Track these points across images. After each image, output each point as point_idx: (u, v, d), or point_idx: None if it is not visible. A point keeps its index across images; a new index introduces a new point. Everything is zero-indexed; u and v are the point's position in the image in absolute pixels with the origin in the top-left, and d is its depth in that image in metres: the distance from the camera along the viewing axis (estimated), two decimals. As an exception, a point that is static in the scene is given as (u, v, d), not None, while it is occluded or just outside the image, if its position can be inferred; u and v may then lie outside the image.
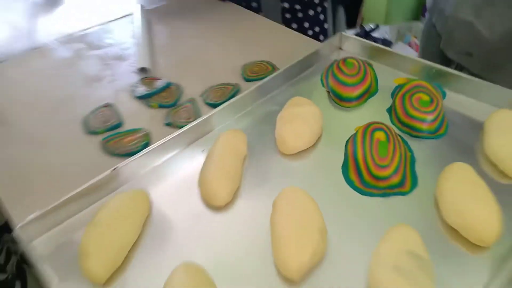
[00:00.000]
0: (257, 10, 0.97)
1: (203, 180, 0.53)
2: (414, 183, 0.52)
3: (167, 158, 0.58)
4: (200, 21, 0.93)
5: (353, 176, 0.53)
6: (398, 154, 0.53)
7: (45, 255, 0.48)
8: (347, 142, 0.58)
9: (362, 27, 2.03)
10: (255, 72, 0.75)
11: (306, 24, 0.99)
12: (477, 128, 0.59)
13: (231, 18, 0.94)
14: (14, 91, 0.74)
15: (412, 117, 0.59)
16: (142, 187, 0.54)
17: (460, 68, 0.79)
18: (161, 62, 0.79)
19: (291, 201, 0.48)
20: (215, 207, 0.51)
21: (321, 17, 0.99)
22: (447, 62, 0.82)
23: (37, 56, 0.82)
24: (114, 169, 0.53)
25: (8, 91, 0.74)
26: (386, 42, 1.95)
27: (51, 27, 0.91)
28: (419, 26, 2.01)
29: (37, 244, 0.49)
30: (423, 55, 0.98)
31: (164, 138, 0.58)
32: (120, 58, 0.81)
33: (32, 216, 0.48)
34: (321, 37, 1.02)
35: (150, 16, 0.93)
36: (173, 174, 0.57)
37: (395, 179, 0.51)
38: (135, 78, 0.75)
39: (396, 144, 0.54)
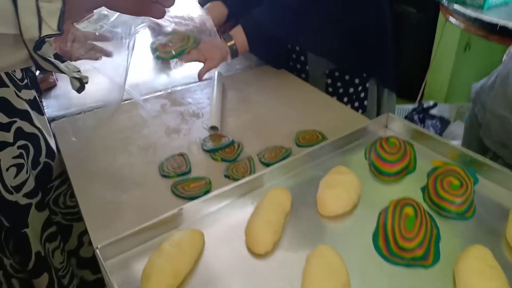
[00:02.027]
0: (305, 81, 1.11)
1: (249, 229, 0.62)
2: (436, 258, 0.58)
3: (222, 206, 0.69)
4: (264, 89, 1.07)
5: (381, 244, 0.60)
6: (424, 229, 0.59)
7: (115, 273, 0.59)
8: (380, 212, 0.65)
9: (420, 103, 2.09)
10: (307, 139, 0.86)
11: (345, 99, 1.10)
12: (504, 214, 0.63)
13: (291, 88, 1.08)
14: (109, 135, 0.91)
15: (442, 198, 0.65)
16: (199, 227, 0.65)
17: (496, 156, 0.84)
18: (228, 122, 0.93)
19: (322, 258, 0.56)
20: (257, 254, 0.60)
21: (362, 94, 1.10)
22: (485, 148, 0.87)
23: (130, 108, 1.00)
24: (180, 209, 0.65)
25: (104, 134, 0.91)
26: (443, 120, 1.99)
27: (144, 84, 1.11)
28: (480, 106, 2.02)
29: (110, 263, 0.60)
30: (465, 139, 1.04)
31: (222, 188, 0.69)
32: (196, 115, 0.97)
33: (109, 240, 0.60)
34: (360, 111, 1.12)
35: (225, 81, 1.10)
36: (226, 220, 0.67)
37: (419, 252, 0.57)
38: (206, 133, 0.89)
39: (423, 220, 0.61)
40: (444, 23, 2.01)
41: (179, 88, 1.10)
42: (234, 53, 1.00)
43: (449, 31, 2.09)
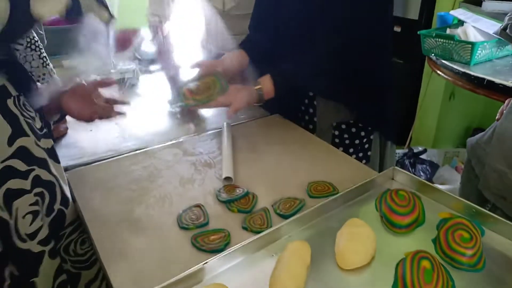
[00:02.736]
0: (312, 131, 1.16)
1: (274, 283, 0.64)
2: (455, 311, 0.60)
3: (243, 258, 0.71)
4: (272, 139, 1.12)
5: (401, 298, 0.62)
6: (441, 282, 0.63)
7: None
8: (397, 265, 0.68)
9: (410, 148, 2.18)
10: (319, 190, 0.89)
11: (351, 150, 1.16)
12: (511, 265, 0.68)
13: (298, 138, 1.13)
14: (125, 185, 0.93)
15: (454, 250, 0.69)
16: (222, 281, 0.66)
17: (495, 207, 0.89)
18: (240, 172, 0.97)
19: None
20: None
21: (366, 146, 1.16)
22: (484, 199, 0.93)
23: (143, 158, 1.03)
24: (205, 263, 0.67)
25: (120, 184, 0.93)
26: (433, 165, 2.07)
27: (155, 133, 1.14)
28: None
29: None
30: (463, 190, 1.10)
31: (244, 242, 0.71)
32: (208, 165, 1.00)
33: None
34: (363, 161, 1.17)
35: (234, 131, 1.14)
36: (248, 273, 0.69)
37: (438, 305, 0.60)
38: (219, 184, 0.92)
39: (440, 273, 0.64)
40: (430, 74, 2.14)
41: (189, 136, 1.14)
42: (260, 98, 1.04)
43: (434, 81, 2.23)
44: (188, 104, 1.00)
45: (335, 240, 0.73)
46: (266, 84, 1.04)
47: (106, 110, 0.97)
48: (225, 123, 1.15)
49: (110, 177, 0.95)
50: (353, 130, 1.14)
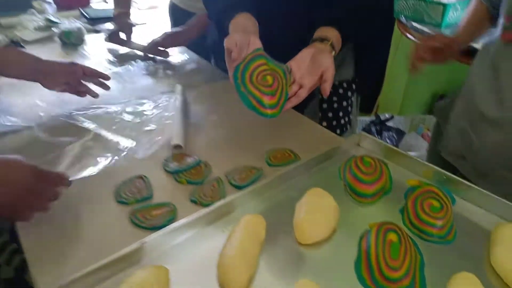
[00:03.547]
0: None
1: (222, 263, 0.56)
2: (423, 287, 0.54)
3: (190, 236, 0.62)
4: (231, 104, 1.01)
5: (365, 274, 0.56)
6: (409, 257, 0.56)
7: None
8: (361, 238, 0.61)
9: (377, 115, 2.13)
10: (278, 158, 0.81)
11: (340, 113, 1.06)
12: (484, 236, 0.62)
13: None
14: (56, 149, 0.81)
15: (423, 221, 0.63)
16: (163, 263, 0.57)
17: (454, 170, 0.86)
18: (193, 140, 0.86)
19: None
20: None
21: (349, 109, 1.07)
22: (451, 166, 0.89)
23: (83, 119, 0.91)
24: (142, 243, 0.57)
25: (47, 146, 0.81)
26: (399, 132, 2.03)
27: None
28: (432, 119, 2.10)
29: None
30: (430, 157, 1.05)
31: (189, 216, 0.62)
32: (155, 131, 0.88)
33: (57, 285, 0.51)
34: (348, 126, 1.09)
35: (188, 95, 1.03)
36: (194, 252, 0.60)
37: (405, 282, 0.54)
38: (168, 153, 0.82)
39: (408, 247, 0.57)
40: (399, 37, 2.06)
41: (136, 99, 1.02)
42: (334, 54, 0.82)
43: (404, 45, 2.15)
44: (274, 114, 0.74)
45: (294, 211, 0.65)
46: (332, 35, 0.81)
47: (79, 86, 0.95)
48: (178, 85, 1.03)
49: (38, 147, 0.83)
50: (341, 91, 1.04)
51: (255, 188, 0.69)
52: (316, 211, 0.63)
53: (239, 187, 0.72)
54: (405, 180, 0.74)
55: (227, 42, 0.75)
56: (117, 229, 0.64)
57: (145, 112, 0.96)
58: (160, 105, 0.99)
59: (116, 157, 0.80)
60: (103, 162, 0.79)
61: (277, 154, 0.82)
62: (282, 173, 0.72)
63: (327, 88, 0.77)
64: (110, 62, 1.27)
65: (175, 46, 1.31)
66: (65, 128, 0.89)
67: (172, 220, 0.65)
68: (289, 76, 0.75)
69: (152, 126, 0.90)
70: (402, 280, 0.54)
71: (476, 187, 0.68)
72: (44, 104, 0.97)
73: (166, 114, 0.95)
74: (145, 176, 0.74)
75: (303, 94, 0.76)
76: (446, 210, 0.63)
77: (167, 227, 0.60)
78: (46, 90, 0.91)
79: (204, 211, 0.63)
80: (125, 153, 0.81)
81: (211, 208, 0.64)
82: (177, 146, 0.81)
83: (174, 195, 0.71)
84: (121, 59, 1.28)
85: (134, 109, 0.97)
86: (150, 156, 0.81)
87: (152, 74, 1.20)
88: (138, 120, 0.93)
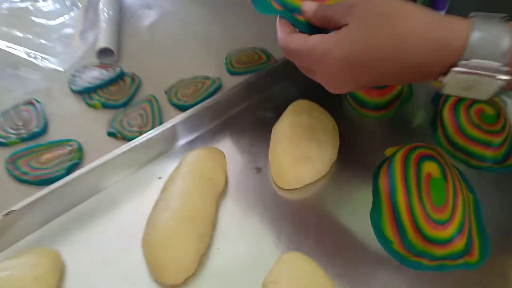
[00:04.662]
0: None
1: (152, 239, 0.33)
2: (485, 249, 0.33)
3: (103, 191, 0.39)
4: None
5: (390, 234, 0.34)
6: (461, 201, 0.34)
7: None
8: (377, 173, 0.38)
9: None
10: (244, 62, 0.55)
11: None
12: None
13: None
14: None
15: (471, 138, 0.40)
16: (53, 242, 0.34)
17: None
18: (128, 45, 0.58)
19: (291, 278, 0.29)
20: (168, 285, 0.32)
21: None
22: None
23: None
24: (8, 213, 0.33)
25: None
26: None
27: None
28: None
29: None
30: None
31: (101, 159, 0.38)
32: (66, 35, 0.59)
33: None
34: None
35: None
36: (109, 218, 0.37)
37: (459, 243, 0.32)
38: (80, 62, 0.54)
39: (457, 184, 0.35)
40: None
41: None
42: None
43: None
44: None
45: (270, 141, 0.42)
46: None
47: None
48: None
49: None
50: None
51: (209, 106, 0.44)
52: (304, 136, 0.39)
53: (183, 108, 0.47)
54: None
55: None
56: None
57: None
58: None
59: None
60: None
61: (242, 57, 0.55)
62: (249, 79, 0.47)
63: None
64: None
65: None
66: None
67: (73, 167, 0.40)
68: None
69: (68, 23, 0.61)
70: (454, 241, 0.32)
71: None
72: None
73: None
74: (36, 101, 0.48)
75: None
76: (504, 120, 0.41)
77: (61, 179, 0.36)
78: None
79: (126, 147, 0.39)
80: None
81: (138, 142, 0.40)
82: (104, 51, 0.54)
83: (83, 127, 0.46)
84: None
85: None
86: (50, 67, 0.53)
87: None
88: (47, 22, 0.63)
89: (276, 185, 0.39)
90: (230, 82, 0.50)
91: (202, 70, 0.53)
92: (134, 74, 0.52)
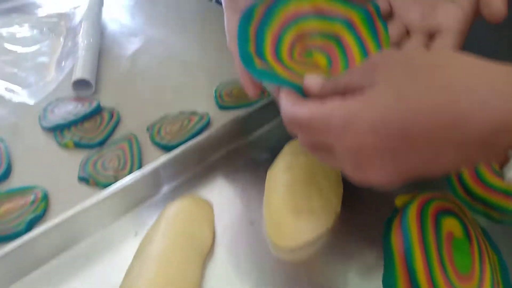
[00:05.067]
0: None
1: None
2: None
3: (66, 251, 0.33)
4: (162, 21, 0.68)
5: (407, 306, 0.29)
6: (488, 265, 0.29)
7: None
8: (388, 229, 0.33)
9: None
10: (235, 95, 0.50)
11: None
12: None
13: (205, 18, 0.69)
14: None
15: (492, 187, 0.35)
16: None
17: None
18: (103, 77, 0.53)
19: None
20: None
21: None
22: None
23: None
24: None
25: None
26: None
27: None
28: None
29: None
30: None
31: (67, 212, 0.32)
32: (46, 64, 0.54)
33: None
34: None
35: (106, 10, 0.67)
36: (80, 279, 0.31)
37: (490, 319, 0.27)
38: (54, 95, 0.49)
39: (482, 245, 0.30)
40: None
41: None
42: None
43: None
44: None
45: (264, 190, 0.37)
46: None
47: None
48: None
49: None
50: None
51: (195, 147, 0.39)
52: (305, 183, 0.34)
53: (166, 147, 0.42)
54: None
55: None
56: None
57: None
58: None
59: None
60: None
61: (233, 90, 0.51)
62: (241, 117, 0.42)
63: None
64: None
65: None
66: None
67: (35, 221, 0.34)
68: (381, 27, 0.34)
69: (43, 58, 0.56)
70: (484, 317, 0.27)
71: None
72: None
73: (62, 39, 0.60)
74: (2, 140, 0.42)
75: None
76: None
77: (24, 236, 0.31)
78: None
79: (100, 196, 0.34)
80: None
81: (113, 189, 0.34)
82: (80, 83, 0.49)
83: (51, 169, 0.40)
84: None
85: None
86: (19, 101, 0.48)
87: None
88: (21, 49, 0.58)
89: (272, 241, 0.33)
90: (220, 118, 0.45)
91: (189, 104, 0.48)
92: (113, 109, 0.47)
